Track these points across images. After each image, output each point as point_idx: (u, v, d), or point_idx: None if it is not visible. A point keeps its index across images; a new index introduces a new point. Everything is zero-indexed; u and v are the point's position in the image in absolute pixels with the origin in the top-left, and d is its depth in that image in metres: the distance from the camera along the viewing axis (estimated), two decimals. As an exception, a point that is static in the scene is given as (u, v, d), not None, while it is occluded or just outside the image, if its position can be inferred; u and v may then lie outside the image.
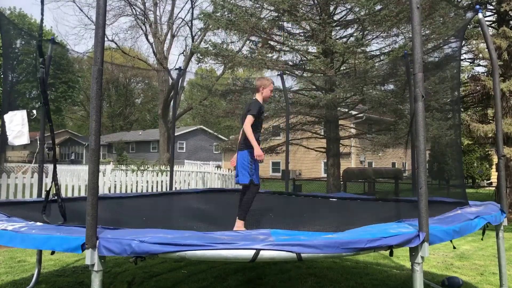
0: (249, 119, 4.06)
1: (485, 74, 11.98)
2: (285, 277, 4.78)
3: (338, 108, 10.83)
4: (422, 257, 2.56)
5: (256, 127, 4.15)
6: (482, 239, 4.35)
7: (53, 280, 4.59)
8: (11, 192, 7.55)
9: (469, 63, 12.11)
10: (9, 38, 4.84)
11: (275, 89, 10.44)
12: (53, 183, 3.25)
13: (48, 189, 3.29)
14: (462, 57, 11.12)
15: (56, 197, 3.22)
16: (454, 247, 4.05)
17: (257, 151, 3.99)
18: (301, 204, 5.67)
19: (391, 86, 10.11)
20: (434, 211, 3.32)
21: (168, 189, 8.23)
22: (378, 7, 9.24)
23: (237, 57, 10.13)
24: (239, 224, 3.98)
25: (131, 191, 9.71)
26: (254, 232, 2.64)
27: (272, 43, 10.81)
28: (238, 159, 4.20)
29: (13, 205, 4.27)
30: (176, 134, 16.07)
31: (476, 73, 12.53)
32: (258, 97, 4.33)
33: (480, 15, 4.23)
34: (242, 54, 11.22)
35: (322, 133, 11.86)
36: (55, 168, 3.35)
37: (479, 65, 12.20)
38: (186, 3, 74.59)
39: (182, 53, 29.61)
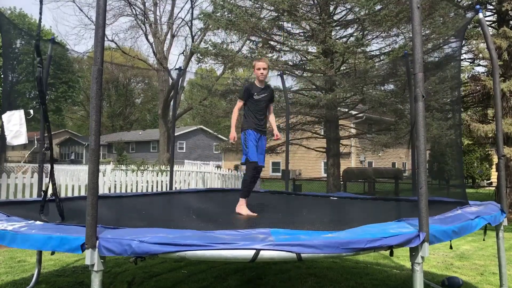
0: (237, 104, 4.40)
1: (485, 74, 11.99)
2: (285, 277, 4.78)
3: (338, 108, 10.82)
4: (422, 257, 2.55)
5: (249, 109, 4.33)
6: (484, 240, 4.34)
7: (53, 280, 4.59)
8: (11, 192, 7.54)
9: (469, 63, 12.12)
10: (9, 38, 4.84)
11: (275, 89, 10.45)
12: (50, 183, 3.25)
13: (45, 189, 3.29)
14: (462, 57, 11.13)
15: (54, 197, 3.22)
16: (451, 247, 4.05)
17: (231, 133, 4.31)
18: (301, 203, 5.66)
19: (391, 86, 10.11)
20: (434, 211, 3.31)
21: (168, 189, 8.22)
22: (378, 7, 9.24)
23: (237, 57, 10.13)
24: (240, 203, 4.19)
25: (131, 191, 9.71)
26: (254, 231, 2.63)
27: (272, 43, 10.81)
28: None
29: (13, 204, 4.26)
30: (176, 134, 16.08)
31: (476, 73, 12.54)
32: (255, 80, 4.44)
33: (480, 15, 4.23)
34: (242, 54, 11.22)
35: (322, 133, 11.86)
36: (52, 168, 3.34)
37: (479, 65, 12.21)
38: (186, 3, 74.62)
39: (182, 53, 29.62)
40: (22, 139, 3.34)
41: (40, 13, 3.07)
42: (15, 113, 3.33)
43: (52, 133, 3.44)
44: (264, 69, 4.32)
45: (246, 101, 4.33)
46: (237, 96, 4.38)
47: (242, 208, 4.17)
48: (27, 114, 3.43)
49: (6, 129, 3.27)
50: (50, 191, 3.27)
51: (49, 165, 3.28)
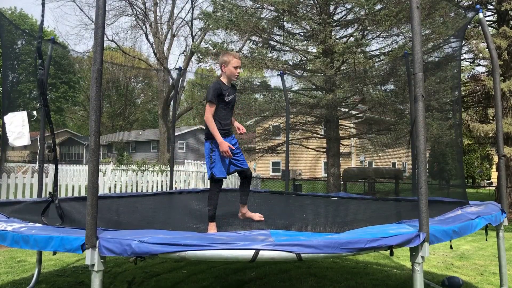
0: (207, 108, 3.54)
1: (486, 74, 11.99)
2: (285, 277, 4.77)
3: (338, 108, 10.83)
4: (423, 257, 2.55)
5: (219, 113, 3.59)
6: (486, 240, 4.33)
7: (53, 280, 4.59)
8: (11, 192, 7.55)
9: (469, 63, 12.12)
10: (9, 38, 4.84)
11: (276, 89, 10.45)
12: (54, 185, 3.25)
13: (50, 191, 3.28)
14: (462, 57, 11.13)
15: (53, 198, 3.22)
16: (451, 247, 4.05)
17: (221, 146, 3.48)
18: (301, 203, 5.67)
19: (391, 86, 10.12)
20: (434, 211, 3.31)
21: (168, 189, 8.22)
22: (378, 7, 9.24)
23: (237, 57, 10.11)
24: (209, 227, 3.51)
25: (131, 191, 9.72)
26: (254, 233, 2.63)
27: (272, 43, 10.82)
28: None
29: (13, 205, 4.26)
30: (176, 134, 16.08)
31: (476, 73, 12.55)
32: (222, 77, 3.66)
33: (480, 15, 4.23)
34: (242, 54, 11.23)
35: (322, 133, 11.87)
36: (56, 169, 3.34)
37: (479, 65, 12.22)
38: (186, 3, 74.54)
39: (182, 53, 29.65)
40: (25, 141, 3.33)
41: (42, 16, 3.07)
42: (17, 114, 3.32)
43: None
44: (239, 67, 3.67)
45: (215, 105, 3.57)
46: (208, 100, 3.53)
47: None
48: (31, 116, 3.42)
49: (8, 131, 3.25)
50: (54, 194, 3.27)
51: (49, 166, 3.29)
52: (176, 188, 10.04)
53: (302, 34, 10.70)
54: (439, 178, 15.99)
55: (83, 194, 8.72)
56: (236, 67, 3.61)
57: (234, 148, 3.64)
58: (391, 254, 2.60)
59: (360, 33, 9.96)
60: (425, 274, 4.74)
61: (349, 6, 10.28)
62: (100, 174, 8.92)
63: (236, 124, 3.88)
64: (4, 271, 4.96)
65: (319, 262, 5.36)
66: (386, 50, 10.13)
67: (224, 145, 3.50)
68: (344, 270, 5.14)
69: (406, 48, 8.33)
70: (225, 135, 3.64)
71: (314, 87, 10.89)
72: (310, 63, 10.08)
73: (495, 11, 11.31)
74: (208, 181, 3.70)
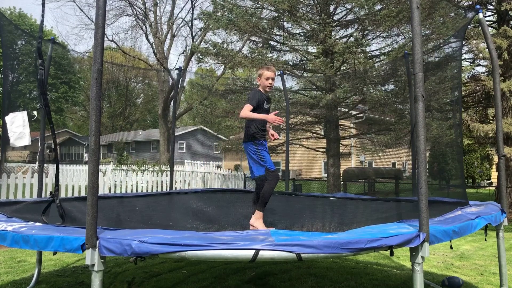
0: (245, 107, 3.84)
1: (486, 74, 11.98)
2: (285, 277, 4.77)
3: (338, 108, 10.83)
4: (423, 257, 2.55)
5: (259, 119, 3.90)
6: (485, 240, 4.32)
7: (53, 280, 4.59)
8: (11, 192, 7.55)
9: (469, 63, 12.11)
10: (9, 39, 4.84)
11: (275, 89, 10.45)
12: (54, 184, 3.26)
13: (51, 191, 3.29)
14: (462, 57, 11.12)
15: (54, 198, 3.22)
16: (451, 247, 4.05)
17: (268, 118, 3.77)
18: (301, 204, 5.67)
19: (391, 86, 10.13)
20: (434, 211, 3.31)
21: (168, 189, 8.22)
22: (378, 7, 9.25)
23: (237, 57, 10.14)
24: (258, 215, 3.81)
25: (131, 191, 9.72)
26: (254, 233, 2.63)
27: (272, 43, 10.83)
28: (246, 154, 4.03)
29: (13, 205, 4.26)
30: (176, 134, 16.07)
31: (476, 73, 12.54)
32: (260, 88, 4.06)
33: (480, 15, 4.23)
34: (242, 54, 11.23)
35: (322, 133, 11.87)
36: (57, 169, 3.34)
37: (479, 65, 12.20)
38: (186, 3, 74.60)
39: (182, 53, 29.64)
40: (26, 141, 3.33)
41: (42, 16, 3.08)
42: (18, 114, 3.32)
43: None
44: (273, 79, 4.01)
45: (253, 109, 3.89)
46: (248, 101, 3.86)
47: (259, 222, 3.78)
48: (31, 116, 3.43)
49: (9, 131, 3.26)
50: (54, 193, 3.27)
51: (49, 165, 3.29)
52: (176, 188, 10.04)
53: (302, 34, 10.71)
54: (439, 178, 15.99)
55: (83, 194, 8.72)
56: (267, 79, 3.97)
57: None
58: (391, 254, 2.60)
59: (360, 33, 9.97)
60: (425, 274, 4.74)
61: (349, 6, 10.29)
62: (100, 174, 8.92)
63: (271, 131, 4.22)
64: (4, 271, 4.95)
65: (319, 262, 5.36)
66: (386, 50, 10.14)
67: (270, 116, 3.78)
68: (344, 270, 5.14)
69: (406, 48, 8.34)
70: (261, 139, 3.97)
71: (314, 87, 10.90)
72: (310, 63, 10.08)
73: (495, 11, 11.31)
74: (263, 176, 3.88)
